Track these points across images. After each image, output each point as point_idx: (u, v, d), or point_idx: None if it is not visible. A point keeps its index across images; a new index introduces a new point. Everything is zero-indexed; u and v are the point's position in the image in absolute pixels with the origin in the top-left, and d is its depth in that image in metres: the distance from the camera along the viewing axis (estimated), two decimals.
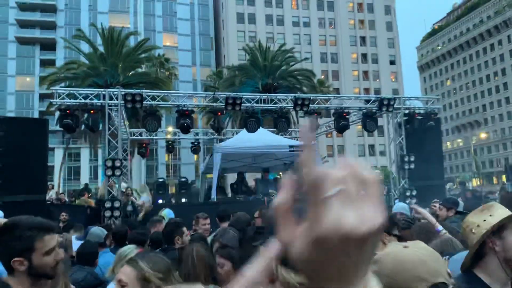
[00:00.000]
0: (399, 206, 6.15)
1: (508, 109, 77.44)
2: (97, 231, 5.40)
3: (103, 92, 12.56)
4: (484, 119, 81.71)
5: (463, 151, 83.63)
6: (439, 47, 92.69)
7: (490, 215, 2.03)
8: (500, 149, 77.89)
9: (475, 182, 65.23)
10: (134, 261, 1.88)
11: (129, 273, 1.82)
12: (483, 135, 78.96)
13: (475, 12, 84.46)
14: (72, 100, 12.31)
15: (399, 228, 3.48)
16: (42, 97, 53.65)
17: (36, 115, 50.54)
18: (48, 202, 13.07)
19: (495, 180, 65.42)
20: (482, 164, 75.86)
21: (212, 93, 14.89)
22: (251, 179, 17.78)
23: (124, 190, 12.71)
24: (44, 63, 56.80)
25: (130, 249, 3.32)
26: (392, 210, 6.04)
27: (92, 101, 12.24)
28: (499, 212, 2.05)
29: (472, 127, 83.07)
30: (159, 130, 14.59)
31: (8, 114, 47.89)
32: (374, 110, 14.32)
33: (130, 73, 29.19)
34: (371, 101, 14.71)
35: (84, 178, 54.54)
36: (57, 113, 25.63)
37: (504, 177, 31.69)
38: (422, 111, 14.95)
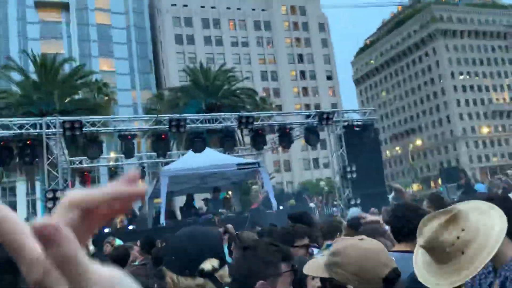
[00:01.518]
0: (354, 211, 6.70)
1: (439, 116, 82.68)
2: None
3: (40, 121, 12.06)
4: (418, 126, 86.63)
5: (402, 159, 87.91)
6: (372, 61, 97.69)
7: (463, 230, 1.62)
8: (434, 154, 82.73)
9: (415, 187, 68.65)
10: None
11: None
12: (418, 142, 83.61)
13: (402, 27, 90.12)
14: (5, 131, 11.71)
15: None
16: None
17: None
18: None
19: (432, 184, 69.16)
20: (420, 169, 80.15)
21: (154, 115, 14.75)
22: (199, 199, 17.63)
23: None
24: None
25: None
26: (347, 215, 6.54)
27: (28, 131, 11.71)
28: (472, 226, 1.64)
29: (408, 135, 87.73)
30: (101, 157, 14.16)
31: None
32: (315, 124, 14.81)
33: (67, 100, 28.15)
34: (311, 116, 15.21)
35: (22, 213, 51.34)
36: None
37: (439, 181, 33.61)
38: (360, 123, 15.66)
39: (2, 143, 11.75)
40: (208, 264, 1.48)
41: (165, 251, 1.79)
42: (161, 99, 39.27)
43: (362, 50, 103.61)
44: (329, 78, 72.59)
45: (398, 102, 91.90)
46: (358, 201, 13.86)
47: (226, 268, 1.56)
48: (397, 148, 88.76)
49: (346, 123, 15.39)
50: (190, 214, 13.64)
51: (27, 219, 20.73)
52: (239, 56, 67.42)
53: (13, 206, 52.15)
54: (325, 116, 14.59)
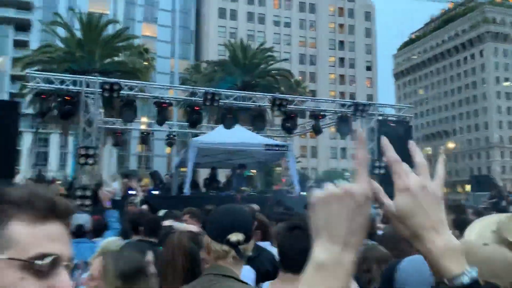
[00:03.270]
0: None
1: (476, 122, 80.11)
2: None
3: (80, 79, 12.38)
4: (453, 129, 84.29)
5: (431, 160, 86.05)
6: (415, 57, 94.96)
7: None
8: (466, 159, 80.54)
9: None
10: (105, 256, 1.87)
11: (96, 268, 1.83)
12: (450, 145, 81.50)
13: (451, 25, 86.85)
14: (47, 85, 12.09)
15: None
16: (14, 78, 52.05)
17: (5, 97, 48.99)
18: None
19: (459, 189, 67.60)
20: (448, 173, 78.35)
21: (191, 87, 14.91)
22: (222, 175, 17.84)
23: (96, 178, 12.59)
24: (18, 44, 55.09)
25: (113, 241, 3.38)
26: None
27: (68, 87, 12.05)
28: None
29: (440, 136, 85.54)
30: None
31: None
32: (349, 115, 14.64)
33: (107, 61, 28.73)
34: (346, 106, 15.03)
35: (53, 164, 53.30)
36: (29, 96, 25.05)
37: (468, 187, 32.82)
38: (394, 118, 15.38)
39: (42, 95, 12.15)
40: (235, 236, 1.79)
41: (208, 220, 2.10)
42: (197, 71, 39.57)
43: (406, 44, 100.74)
44: (368, 68, 71.13)
45: (435, 101, 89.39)
46: None
47: (251, 243, 1.86)
48: (428, 148, 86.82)
49: (381, 117, 15.14)
50: (213, 188, 13.87)
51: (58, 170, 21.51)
52: (279, 36, 66.73)
53: (45, 156, 54.15)
54: (361, 107, 14.40)
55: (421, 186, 0.78)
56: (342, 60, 70.38)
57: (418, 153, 0.85)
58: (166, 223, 4.46)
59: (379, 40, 78.25)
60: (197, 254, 2.48)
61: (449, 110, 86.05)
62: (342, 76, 70.10)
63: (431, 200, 0.77)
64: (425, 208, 0.77)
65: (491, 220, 1.20)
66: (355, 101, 15.85)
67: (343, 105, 15.29)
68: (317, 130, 14.82)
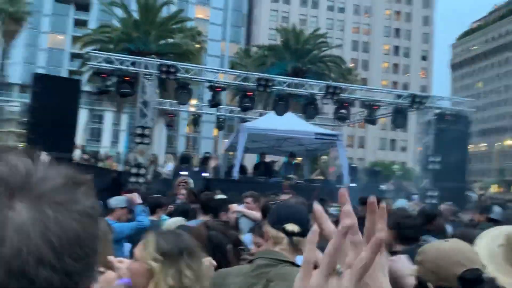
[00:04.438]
0: (402, 203, 5.89)
1: None
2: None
3: (139, 61, 12.70)
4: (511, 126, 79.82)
5: (484, 156, 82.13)
6: (475, 47, 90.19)
7: None
8: None
9: (493, 189, 64.19)
10: (151, 236, 1.87)
11: (141, 249, 1.83)
12: (508, 142, 77.27)
13: None
14: (108, 65, 12.49)
15: None
16: (73, 56, 54.32)
17: (65, 74, 51.29)
18: (74, 162, 13.41)
19: None
20: (502, 172, 74.52)
21: (244, 72, 14.92)
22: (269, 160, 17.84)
23: (150, 157, 12.97)
24: (77, 23, 57.31)
25: (174, 222, 3.44)
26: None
27: (128, 68, 12.40)
28: None
29: (498, 132, 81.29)
30: None
31: (38, 70, 48.64)
32: (405, 106, 14.15)
33: (162, 42, 29.28)
34: (403, 97, 14.52)
35: (106, 141, 55.54)
36: (87, 74, 26.04)
37: None
38: (453, 112, 14.72)
39: (102, 75, 12.58)
40: (290, 227, 1.98)
41: (271, 209, 2.35)
42: (248, 55, 39.54)
43: (466, 33, 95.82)
44: (424, 58, 68.38)
45: (494, 96, 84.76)
46: (436, 194, 13.26)
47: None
48: (483, 144, 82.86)
49: (438, 110, 14.53)
50: (262, 173, 13.90)
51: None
52: (332, 22, 65.31)
53: (99, 133, 56.48)
54: (418, 99, 13.86)
55: None
56: (396, 48, 68.01)
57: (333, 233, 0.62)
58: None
59: (437, 28, 74.82)
60: (221, 241, 2.50)
61: (508, 105, 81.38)
62: (395, 65, 67.83)
63: None
64: None
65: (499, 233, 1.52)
66: (412, 92, 15.28)
67: (399, 96, 14.78)
68: (370, 121, 14.46)
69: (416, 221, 3.68)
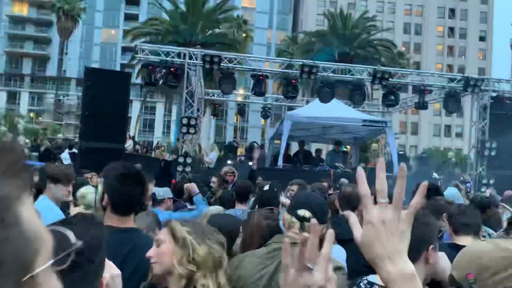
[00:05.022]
0: (449, 193, 5.28)
1: None
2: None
3: (184, 52, 12.89)
4: None
5: None
6: None
7: None
8: None
9: None
10: (178, 221, 1.90)
11: (166, 233, 1.83)
12: None
13: None
14: (154, 57, 12.79)
15: None
16: (124, 50, 56.21)
17: (117, 67, 53.25)
18: (126, 152, 13.92)
19: None
20: None
21: (288, 59, 14.78)
22: (313, 149, 17.64)
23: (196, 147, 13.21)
24: (128, 17, 59.12)
25: (213, 210, 3.46)
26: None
27: (173, 59, 12.63)
28: None
29: None
30: None
31: (93, 64, 50.85)
32: (458, 90, 13.45)
33: (208, 33, 29.63)
34: (456, 80, 13.81)
35: (158, 131, 57.28)
36: (138, 67, 26.87)
37: None
38: (511, 95, 13.84)
39: (150, 67, 12.90)
40: (302, 212, 2.12)
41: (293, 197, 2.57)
42: (295, 42, 39.15)
43: None
44: (481, 39, 64.58)
45: None
46: (491, 181, 12.57)
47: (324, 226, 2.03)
48: None
49: (495, 94, 13.70)
50: (307, 162, 13.76)
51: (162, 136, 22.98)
52: (383, 5, 63.04)
53: (152, 123, 58.33)
54: (472, 82, 13.11)
55: (381, 220, 0.87)
56: (451, 29, 64.64)
57: (380, 177, 0.88)
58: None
59: (496, 7, 70.32)
60: (275, 231, 2.52)
61: None
62: (450, 48, 64.56)
63: (390, 232, 0.87)
64: (382, 240, 0.86)
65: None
66: (465, 75, 14.48)
67: (451, 80, 14.06)
68: (421, 106, 13.89)
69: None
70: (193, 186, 4.99)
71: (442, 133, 61.50)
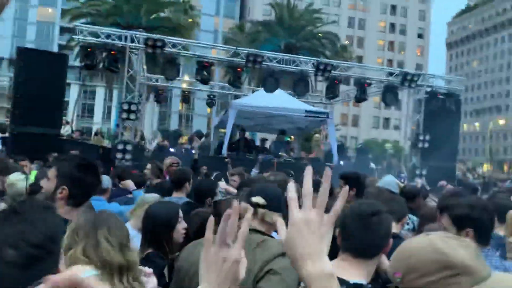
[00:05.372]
0: (385, 181, 5.43)
1: None
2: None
3: (125, 34, 12.39)
4: (505, 105, 79.96)
5: (478, 136, 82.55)
6: (471, 26, 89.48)
7: None
8: None
9: (485, 168, 64.82)
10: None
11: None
12: (501, 121, 77.59)
13: None
14: (94, 38, 12.20)
15: None
16: (63, 30, 53.31)
17: (55, 48, 50.43)
18: (62, 138, 13.23)
19: (505, 168, 64.81)
20: (495, 151, 75.05)
21: (234, 47, 14.64)
22: (258, 138, 17.75)
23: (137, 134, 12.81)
24: None
25: (149, 198, 3.35)
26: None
27: (114, 42, 12.11)
28: None
29: (491, 112, 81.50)
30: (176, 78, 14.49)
31: (27, 44, 47.76)
32: (396, 84, 14.02)
33: (152, 17, 28.72)
34: (394, 74, 14.37)
35: (97, 117, 55.11)
36: (77, 49, 25.56)
37: None
38: (444, 91, 14.63)
39: (89, 49, 12.29)
40: (255, 199, 2.13)
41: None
42: (241, 31, 38.95)
43: (463, 11, 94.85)
44: (420, 36, 67.81)
45: (488, 75, 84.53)
46: (424, 172, 13.28)
47: (276, 215, 2.09)
48: (476, 124, 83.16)
49: (429, 89, 14.42)
50: (249, 150, 13.80)
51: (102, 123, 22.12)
52: None
53: (91, 109, 56.00)
54: (409, 77, 13.71)
55: (304, 220, 0.91)
56: (393, 25, 67.32)
57: (307, 182, 0.93)
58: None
59: (434, 6, 73.91)
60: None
61: (502, 85, 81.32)
62: (391, 43, 67.29)
63: (312, 232, 0.91)
64: (304, 240, 0.90)
65: None
66: (404, 70, 15.11)
67: (391, 74, 14.62)
68: (361, 99, 14.33)
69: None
70: (128, 184, 4.80)
71: (381, 125, 64.21)
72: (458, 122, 15.47)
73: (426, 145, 13.64)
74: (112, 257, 1.71)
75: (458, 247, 1.18)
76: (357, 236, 1.81)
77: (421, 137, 13.75)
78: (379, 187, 4.77)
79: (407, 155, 14.86)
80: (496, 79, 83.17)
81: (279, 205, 2.18)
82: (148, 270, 1.99)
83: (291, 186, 0.96)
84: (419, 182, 10.67)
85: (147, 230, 2.61)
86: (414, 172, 13.54)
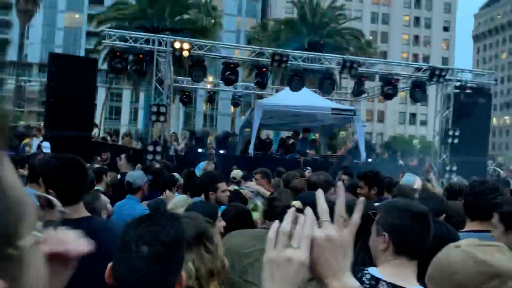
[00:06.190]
0: (405, 180, 5.51)
1: None
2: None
3: (153, 38, 12.63)
4: None
5: (509, 129, 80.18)
6: (499, 16, 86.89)
7: None
8: None
9: None
10: None
11: None
12: None
13: None
14: (122, 43, 12.47)
15: None
16: (89, 35, 54.47)
17: (82, 53, 51.58)
18: (93, 140, 13.58)
19: None
20: None
21: (258, 47, 14.72)
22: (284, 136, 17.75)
23: (170, 135, 13.05)
24: (93, 1, 57.24)
25: (180, 199, 3.44)
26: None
27: (142, 45, 12.36)
28: None
29: None
30: None
31: (56, 49, 49.05)
32: (424, 80, 13.81)
33: (177, 19, 29.08)
34: (422, 70, 14.17)
35: (124, 119, 56.15)
36: (104, 53, 26.15)
37: None
38: (474, 85, 14.34)
39: (118, 53, 12.58)
40: (297, 204, 2.03)
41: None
42: (264, 30, 38.98)
43: (490, 2, 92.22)
44: (445, 29, 66.32)
45: None
46: (454, 168, 13.05)
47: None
48: (507, 117, 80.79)
49: (458, 83, 14.15)
50: (262, 149, 13.86)
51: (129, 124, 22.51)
52: None
53: (118, 111, 57.07)
54: (438, 72, 13.49)
55: (327, 238, 0.89)
56: (417, 19, 66.05)
57: (321, 202, 0.94)
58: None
59: None
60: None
61: None
62: (416, 37, 66.02)
63: (335, 250, 0.89)
64: (327, 258, 0.88)
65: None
66: (431, 65, 14.88)
67: (418, 69, 14.42)
68: (388, 95, 14.18)
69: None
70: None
71: (407, 121, 63.15)
72: (489, 116, 15.12)
73: (456, 140, 13.41)
74: None
75: (495, 253, 1.18)
76: (415, 237, 1.72)
77: (450, 133, 13.52)
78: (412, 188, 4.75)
79: (436, 151, 14.60)
80: None
81: (315, 210, 2.22)
82: None
83: (319, 196, 0.95)
84: (455, 179, 10.46)
85: None
86: (444, 168, 13.33)
